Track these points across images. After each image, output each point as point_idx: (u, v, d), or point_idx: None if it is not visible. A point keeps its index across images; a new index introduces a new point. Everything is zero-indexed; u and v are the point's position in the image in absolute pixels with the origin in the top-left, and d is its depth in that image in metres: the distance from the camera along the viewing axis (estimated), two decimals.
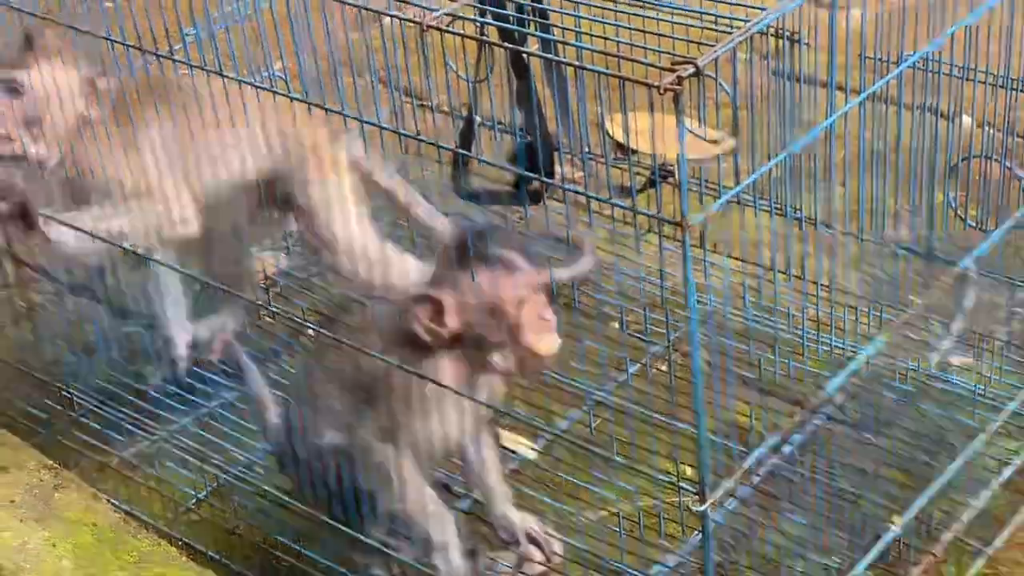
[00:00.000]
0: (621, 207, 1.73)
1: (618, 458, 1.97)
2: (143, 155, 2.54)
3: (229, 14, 2.66)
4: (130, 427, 2.80)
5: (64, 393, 2.88)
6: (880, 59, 2.16)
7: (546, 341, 2.15)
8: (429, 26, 1.68)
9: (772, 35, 1.85)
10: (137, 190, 2.57)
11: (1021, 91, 2.47)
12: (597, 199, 1.77)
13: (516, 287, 2.12)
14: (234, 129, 2.45)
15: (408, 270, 2.85)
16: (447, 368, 2.17)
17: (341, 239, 2.69)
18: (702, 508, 1.86)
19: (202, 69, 2.06)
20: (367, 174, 2.78)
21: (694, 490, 1.87)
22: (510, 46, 1.70)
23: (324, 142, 2.69)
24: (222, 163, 2.58)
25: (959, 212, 2.54)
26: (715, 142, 2.72)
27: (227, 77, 2.06)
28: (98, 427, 2.87)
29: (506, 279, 2.11)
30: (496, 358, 2.16)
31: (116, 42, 2.20)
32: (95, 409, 2.86)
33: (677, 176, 1.73)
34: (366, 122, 1.90)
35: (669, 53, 1.61)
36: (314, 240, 2.71)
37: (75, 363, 2.97)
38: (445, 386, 2.12)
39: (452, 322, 2.13)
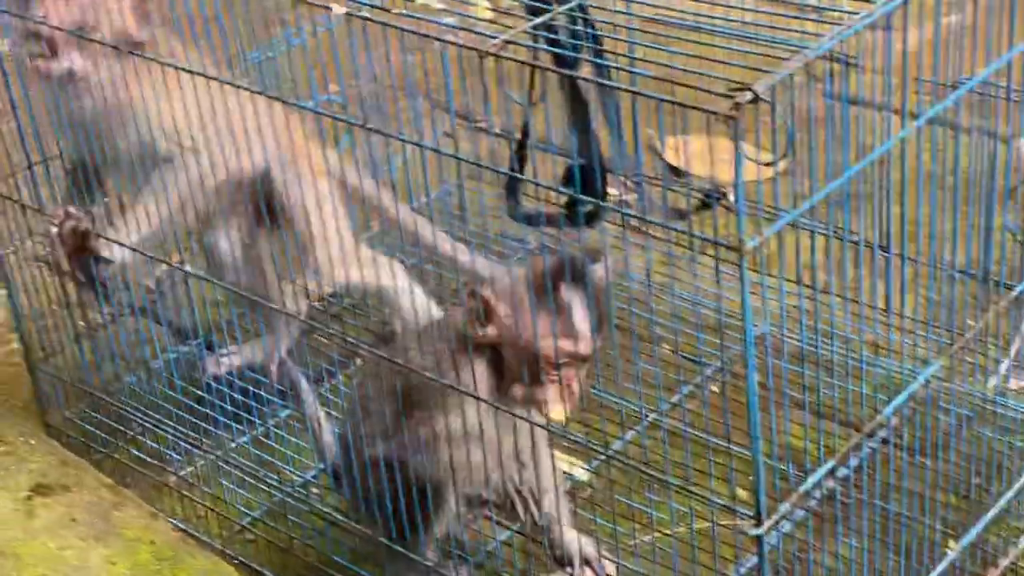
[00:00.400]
0: (677, 230, 1.73)
1: (672, 479, 1.97)
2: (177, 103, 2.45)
3: (284, 38, 2.69)
4: (187, 446, 2.83)
5: (123, 412, 2.91)
6: (936, 82, 2.16)
7: (556, 408, 2.16)
8: (488, 52, 1.69)
9: (827, 59, 1.85)
10: (174, 139, 2.54)
11: None
12: (653, 222, 1.78)
13: (562, 350, 2.11)
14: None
15: (398, 273, 2.86)
16: (482, 375, 2.17)
17: (318, 237, 2.71)
18: (758, 532, 1.85)
19: (263, 94, 2.08)
20: (345, 179, 2.80)
21: (750, 513, 1.86)
22: (564, 71, 1.71)
23: (307, 143, 2.70)
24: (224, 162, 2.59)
25: (1017, 236, 2.53)
26: (769, 164, 2.72)
27: (284, 101, 2.08)
28: (155, 446, 2.89)
29: (557, 337, 2.11)
30: (516, 388, 2.16)
31: (179, 68, 2.22)
32: (153, 428, 2.89)
33: (731, 199, 1.73)
34: (422, 145, 1.92)
35: (724, 79, 1.62)
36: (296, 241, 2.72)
37: (133, 382, 3.00)
38: (484, 400, 2.13)
39: (491, 331, 2.13)
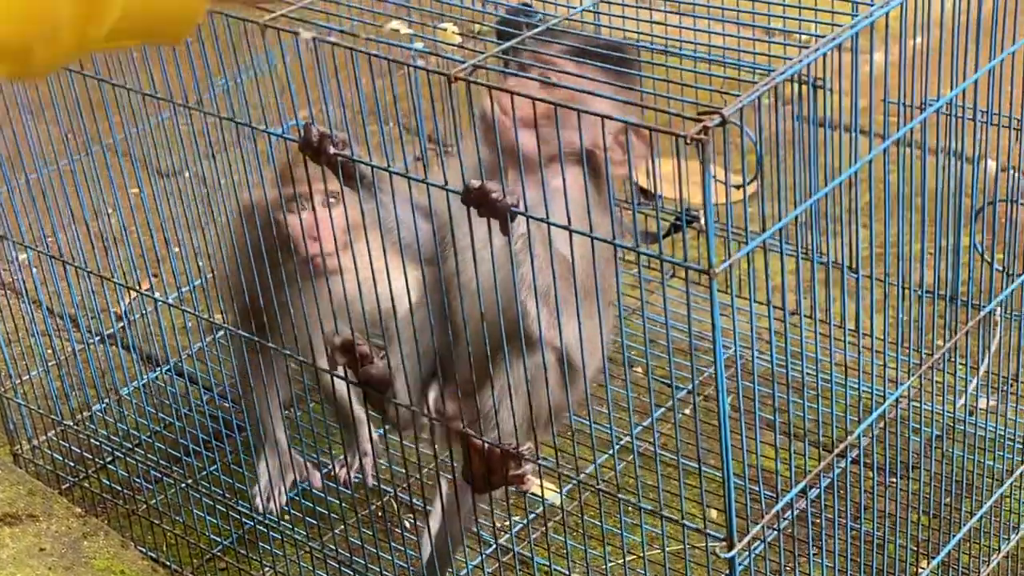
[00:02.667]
0: (648, 255, 1.73)
1: (645, 504, 1.97)
2: None
3: (253, 64, 2.68)
4: (157, 474, 2.81)
5: (92, 440, 2.90)
6: (903, 104, 2.17)
7: None
8: (457, 77, 1.69)
9: (795, 81, 1.86)
10: None
11: None
12: (623, 246, 1.78)
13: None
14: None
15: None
16: None
17: None
18: (730, 555, 1.85)
19: (231, 120, 2.08)
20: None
21: (721, 536, 1.87)
22: (532, 96, 1.72)
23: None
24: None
25: (984, 256, 2.54)
26: (739, 187, 2.73)
27: (253, 128, 2.08)
28: (125, 474, 2.88)
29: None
30: None
31: (147, 95, 2.22)
32: (123, 456, 2.87)
33: (702, 222, 1.73)
34: (393, 172, 1.92)
35: (693, 102, 1.63)
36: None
37: (102, 410, 2.98)
38: None
39: None
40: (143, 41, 1.34)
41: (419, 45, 1.73)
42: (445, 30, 1.87)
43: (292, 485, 2.74)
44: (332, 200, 2.38)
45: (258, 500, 2.69)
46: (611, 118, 1.64)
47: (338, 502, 2.71)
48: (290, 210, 2.42)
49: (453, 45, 1.83)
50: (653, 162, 1.62)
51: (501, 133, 1.97)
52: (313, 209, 2.39)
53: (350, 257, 2.22)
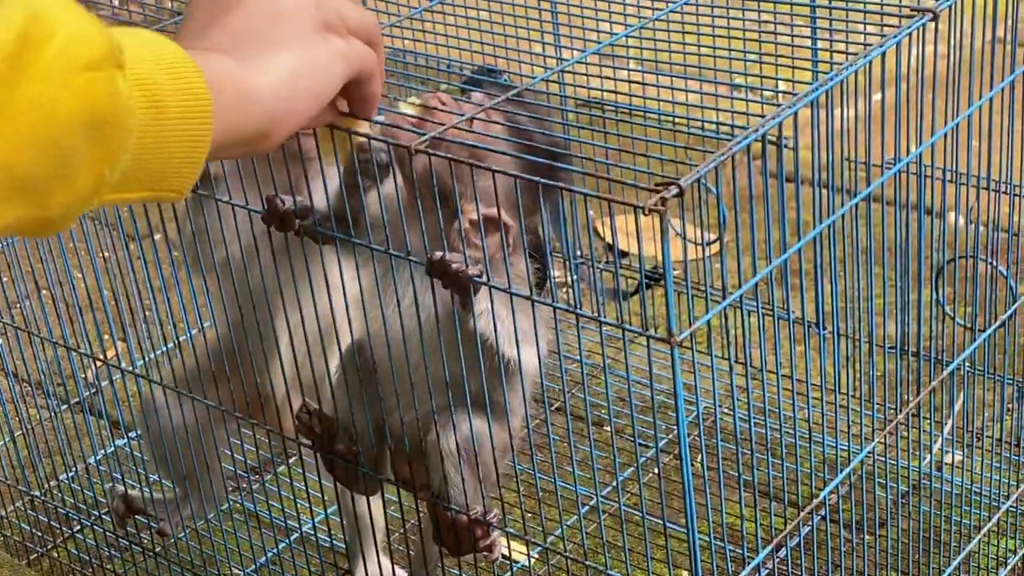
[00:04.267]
0: (608, 323, 1.74)
1: (613, 572, 1.97)
2: None
3: None
4: (125, 542, 2.80)
5: (59, 510, 2.88)
6: (864, 162, 2.19)
7: None
8: (417, 150, 1.70)
9: (758, 140, 1.88)
10: None
11: (1003, 192, 2.50)
12: (584, 315, 1.79)
13: None
14: None
15: None
16: None
17: None
18: None
19: (200, 194, 2.08)
20: None
21: None
22: (492, 168, 1.73)
23: None
24: None
25: (948, 311, 2.56)
26: (707, 244, 2.74)
27: (221, 201, 2.08)
28: (94, 543, 2.86)
29: None
30: None
31: None
32: (91, 525, 2.86)
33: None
34: (357, 243, 1.92)
35: (648, 172, 1.64)
36: None
37: (71, 479, 2.97)
38: None
39: None
40: (149, 194, 1.34)
41: (379, 117, 1.73)
42: (405, 101, 1.87)
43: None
44: None
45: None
46: (571, 190, 1.64)
47: (306, 568, 2.70)
48: None
49: (413, 117, 1.84)
50: (613, 223, 1.63)
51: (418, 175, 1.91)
52: None
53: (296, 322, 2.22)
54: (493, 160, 1.72)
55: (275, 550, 2.74)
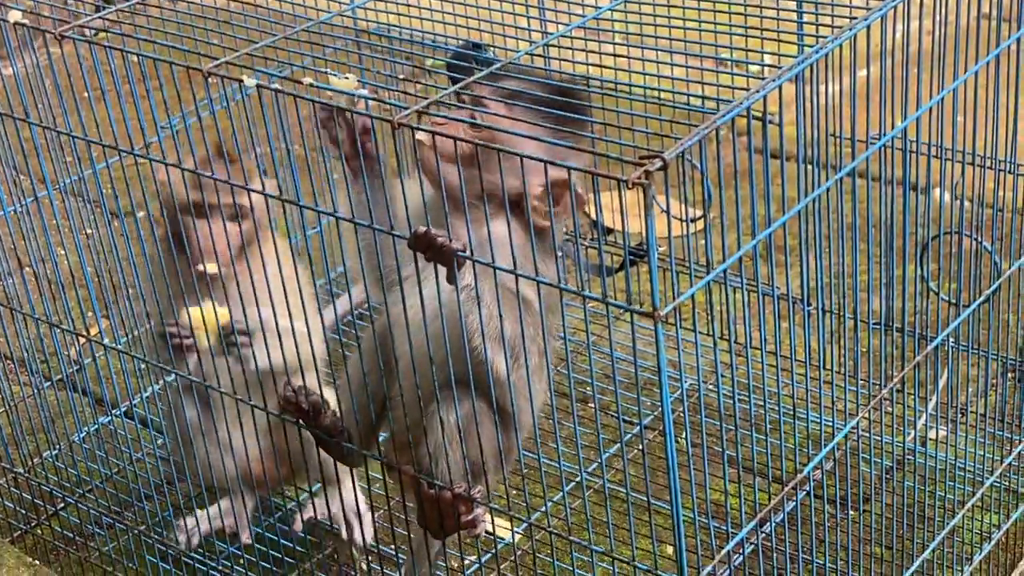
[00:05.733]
0: (592, 298, 1.73)
1: (597, 546, 1.97)
2: None
3: (200, 106, 2.68)
4: (109, 520, 2.79)
5: (43, 487, 2.87)
6: (849, 138, 2.19)
7: None
8: (400, 123, 1.69)
9: (742, 115, 1.87)
10: None
11: (988, 167, 2.50)
12: (568, 290, 1.78)
13: None
14: None
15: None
16: None
17: None
18: None
19: (178, 167, 2.07)
20: None
21: (674, 575, 1.86)
22: (477, 142, 1.72)
23: None
24: None
25: (932, 287, 2.56)
26: (692, 220, 2.74)
27: (201, 174, 2.07)
28: (77, 521, 2.85)
29: None
30: None
31: (93, 142, 2.21)
32: (74, 503, 2.85)
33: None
34: (340, 217, 1.91)
35: (636, 147, 1.63)
36: None
37: (54, 457, 2.96)
38: None
39: None
40: None
41: (363, 92, 1.73)
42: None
43: (219, 533, 2.72)
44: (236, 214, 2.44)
45: (183, 536, 2.70)
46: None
47: (292, 545, 2.70)
48: (198, 215, 2.44)
49: (398, 91, 1.83)
50: (598, 199, 1.63)
51: (424, 167, 1.97)
52: (223, 219, 2.43)
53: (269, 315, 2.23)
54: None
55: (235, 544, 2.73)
